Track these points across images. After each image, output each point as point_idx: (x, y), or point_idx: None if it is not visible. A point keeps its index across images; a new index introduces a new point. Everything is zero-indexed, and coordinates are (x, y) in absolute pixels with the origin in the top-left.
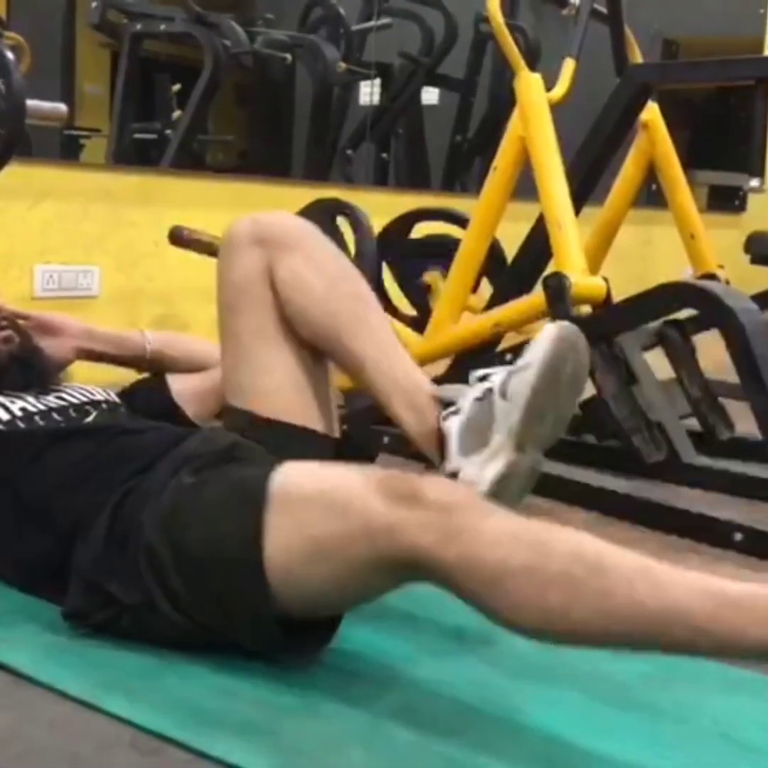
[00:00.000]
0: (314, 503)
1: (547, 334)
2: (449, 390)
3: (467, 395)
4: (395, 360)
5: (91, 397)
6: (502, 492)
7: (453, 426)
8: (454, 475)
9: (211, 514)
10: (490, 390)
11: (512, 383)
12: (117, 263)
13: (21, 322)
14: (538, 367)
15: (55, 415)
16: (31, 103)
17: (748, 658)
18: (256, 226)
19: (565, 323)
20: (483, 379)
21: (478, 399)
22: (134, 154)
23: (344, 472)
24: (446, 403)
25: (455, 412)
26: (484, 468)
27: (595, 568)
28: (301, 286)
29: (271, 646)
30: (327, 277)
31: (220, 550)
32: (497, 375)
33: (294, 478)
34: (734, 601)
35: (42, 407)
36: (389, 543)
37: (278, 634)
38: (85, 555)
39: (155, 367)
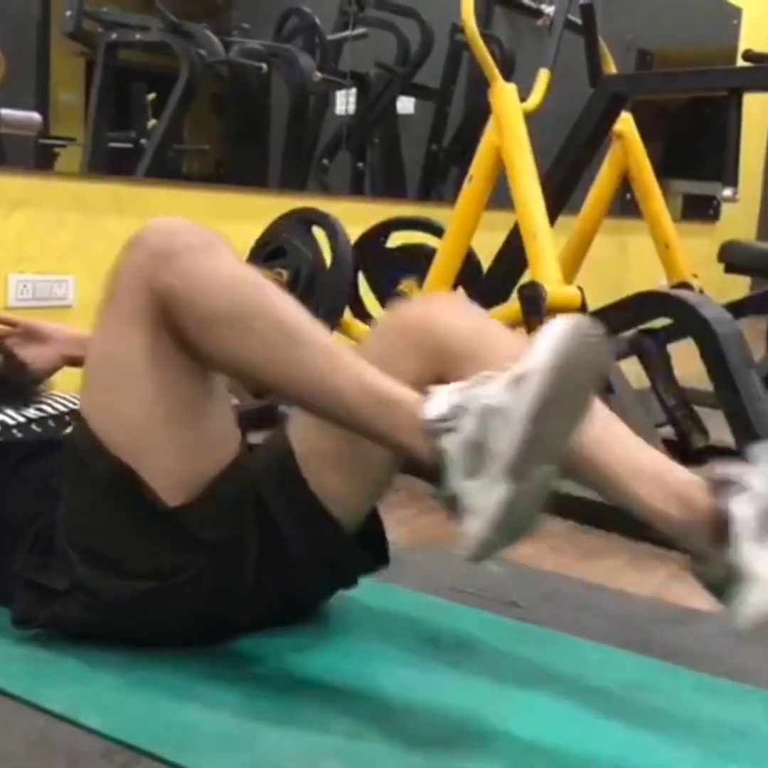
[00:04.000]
0: (99, 361)
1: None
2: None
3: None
4: (625, 440)
5: (72, 406)
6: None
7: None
8: (735, 570)
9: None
10: None
11: None
12: (92, 273)
13: (8, 328)
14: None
15: (33, 427)
16: (5, 112)
17: (383, 444)
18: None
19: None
20: None
21: None
22: (109, 163)
23: None
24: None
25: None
26: None
27: (293, 338)
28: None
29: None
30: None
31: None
32: None
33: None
34: (380, 397)
35: (21, 419)
36: (131, 294)
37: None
38: (22, 558)
39: None
